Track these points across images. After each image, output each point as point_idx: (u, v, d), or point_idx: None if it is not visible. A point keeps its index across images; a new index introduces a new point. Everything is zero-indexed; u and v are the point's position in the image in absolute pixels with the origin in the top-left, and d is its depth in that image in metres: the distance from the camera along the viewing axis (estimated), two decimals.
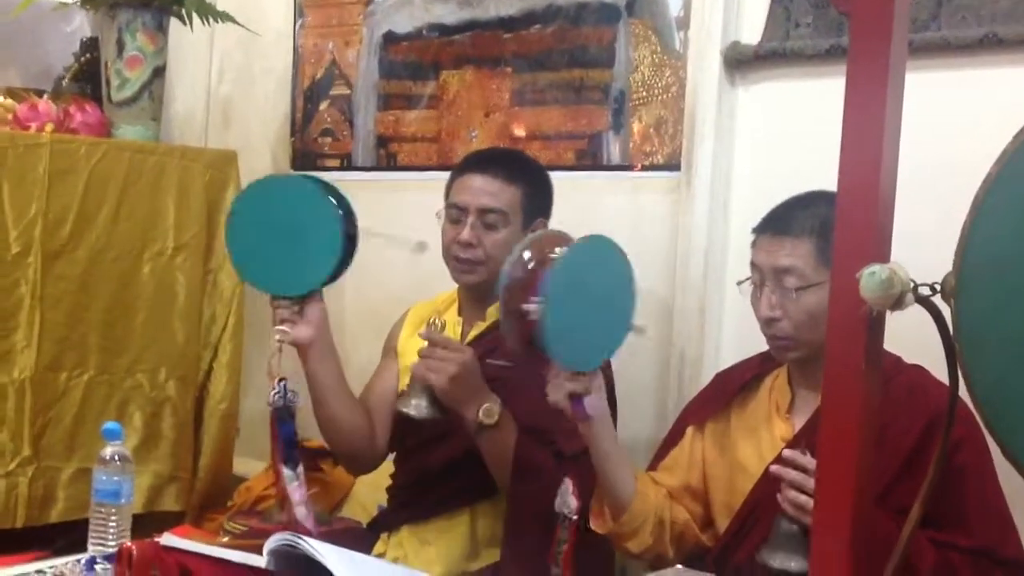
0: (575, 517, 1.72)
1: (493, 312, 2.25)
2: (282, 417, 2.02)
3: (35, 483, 2.56)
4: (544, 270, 1.73)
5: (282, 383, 2.02)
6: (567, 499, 1.71)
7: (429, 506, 2.25)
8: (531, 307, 1.71)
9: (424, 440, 2.23)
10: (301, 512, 1.99)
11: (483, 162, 2.28)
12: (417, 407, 2.03)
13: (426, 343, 2.04)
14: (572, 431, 1.92)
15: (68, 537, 2.55)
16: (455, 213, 2.23)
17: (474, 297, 2.29)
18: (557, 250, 1.76)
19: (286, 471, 2.00)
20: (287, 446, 2.02)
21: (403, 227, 2.90)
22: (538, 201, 2.26)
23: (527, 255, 1.77)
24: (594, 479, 1.92)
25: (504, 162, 2.29)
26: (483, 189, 2.20)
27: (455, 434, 2.13)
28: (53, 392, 2.60)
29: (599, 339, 1.82)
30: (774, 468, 1.73)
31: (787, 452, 1.71)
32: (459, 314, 2.33)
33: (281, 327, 2.06)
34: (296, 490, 2.01)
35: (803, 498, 1.66)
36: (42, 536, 2.57)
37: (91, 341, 2.67)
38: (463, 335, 2.29)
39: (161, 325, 2.78)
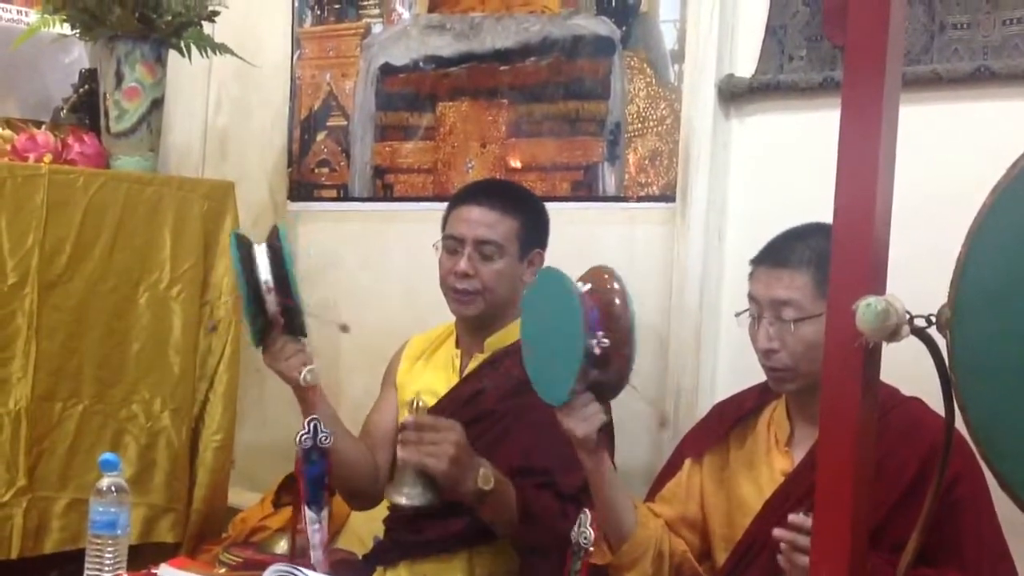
0: (592, 548, 1.71)
1: (492, 344, 2.25)
2: (310, 458, 1.99)
3: (29, 513, 2.54)
4: (593, 306, 1.75)
5: (312, 423, 1.99)
6: (585, 529, 1.69)
7: (427, 544, 2.23)
8: (593, 342, 1.72)
9: None
10: (317, 556, 1.96)
11: (480, 193, 2.29)
12: (410, 495, 1.98)
13: (408, 426, 1.99)
14: (568, 467, 1.91)
15: (62, 569, 2.54)
16: (452, 244, 2.23)
17: (472, 329, 2.29)
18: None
19: (310, 513, 1.96)
20: (314, 487, 1.99)
21: (399, 257, 2.91)
22: (534, 232, 2.27)
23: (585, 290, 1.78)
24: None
25: (501, 194, 2.30)
26: (480, 220, 2.21)
27: None
28: (47, 422, 2.59)
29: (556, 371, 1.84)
30: (777, 532, 1.69)
31: (792, 517, 1.67)
32: (457, 346, 2.33)
33: (311, 366, 2.06)
34: (317, 533, 1.98)
35: (807, 561, 1.62)
36: (36, 568, 2.56)
37: (86, 371, 2.66)
38: (461, 368, 2.29)
39: (156, 356, 2.77)
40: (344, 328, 1.92)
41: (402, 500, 1.99)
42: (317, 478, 1.99)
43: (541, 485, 2.05)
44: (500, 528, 2.06)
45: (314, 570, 1.83)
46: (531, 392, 1.84)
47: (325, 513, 2.00)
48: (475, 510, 2.03)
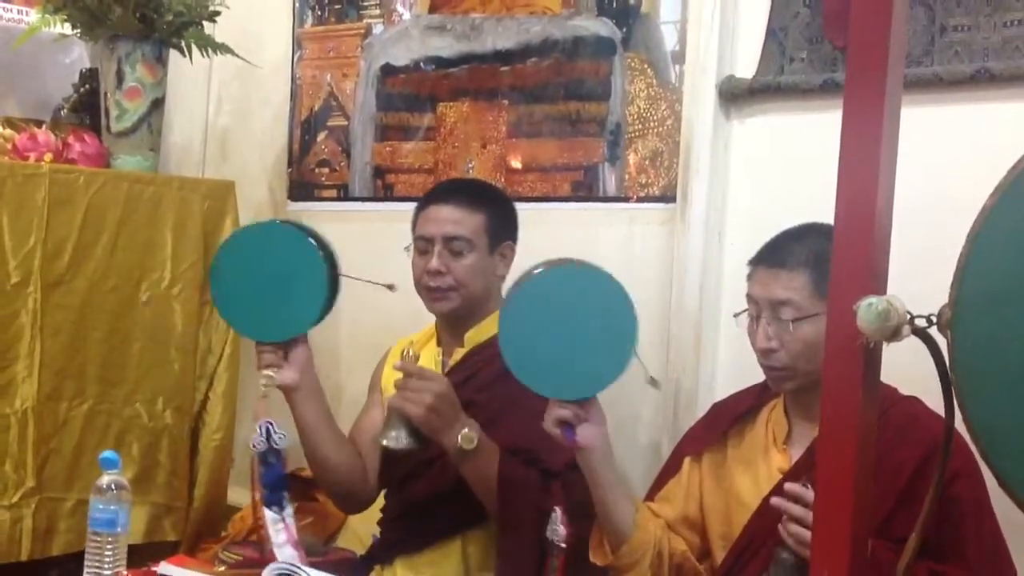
0: (564, 545, 1.71)
1: (471, 338, 2.28)
2: (266, 460, 2.02)
3: (38, 515, 2.54)
4: None
5: (264, 426, 2.01)
6: (556, 527, 1.70)
7: (420, 537, 2.25)
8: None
9: (410, 472, 2.24)
10: (287, 553, 1.97)
11: (445, 192, 2.33)
12: (396, 438, 2.05)
13: (402, 375, 2.05)
14: (555, 449, 1.93)
15: (62, 567, 2.54)
16: (422, 244, 2.27)
17: (451, 325, 2.31)
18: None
19: (270, 514, 1.98)
20: (271, 489, 2.01)
21: (399, 257, 2.91)
22: (502, 226, 2.30)
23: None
24: (582, 495, 1.91)
25: (465, 190, 2.34)
26: (447, 218, 2.24)
27: (441, 464, 2.15)
28: (54, 422, 2.59)
29: (584, 367, 1.81)
30: (775, 500, 1.71)
31: (788, 486, 1.69)
32: (438, 344, 2.35)
33: (267, 372, 2.09)
34: (281, 532, 1.99)
35: (804, 532, 1.63)
36: (36, 567, 2.56)
37: (89, 371, 2.66)
38: (443, 365, 2.31)
39: (158, 355, 2.78)
40: (391, 287, 2.03)
41: (384, 443, 2.06)
42: (277, 479, 2.01)
43: (527, 462, 2.09)
44: (481, 494, 2.09)
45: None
46: (513, 381, 1.85)
47: (289, 511, 2.01)
48: (458, 468, 2.07)
